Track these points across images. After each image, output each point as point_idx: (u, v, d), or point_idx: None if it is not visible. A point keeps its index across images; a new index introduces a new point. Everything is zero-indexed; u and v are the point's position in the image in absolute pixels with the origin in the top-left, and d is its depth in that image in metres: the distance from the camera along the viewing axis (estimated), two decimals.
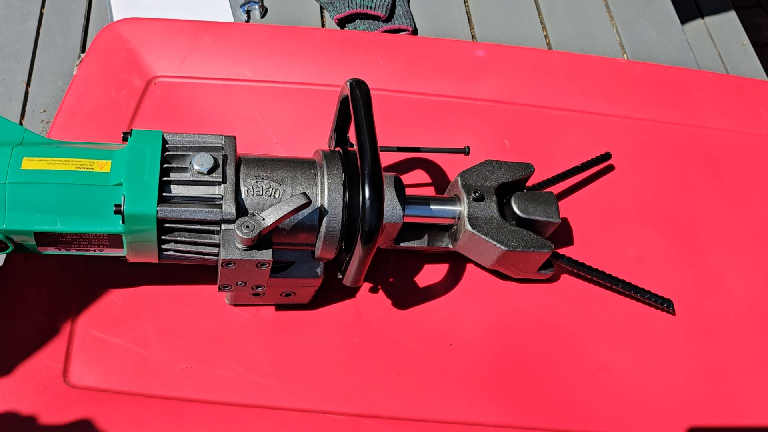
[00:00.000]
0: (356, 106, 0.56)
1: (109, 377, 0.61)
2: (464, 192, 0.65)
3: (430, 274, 0.71)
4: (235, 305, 0.66)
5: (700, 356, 0.69)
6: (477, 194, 0.64)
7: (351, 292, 0.68)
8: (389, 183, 0.62)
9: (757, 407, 0.67)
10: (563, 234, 0.75)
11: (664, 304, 0.70)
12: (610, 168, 0.81)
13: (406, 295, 0.69)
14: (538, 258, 0.65)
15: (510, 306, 0.70)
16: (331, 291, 0.67)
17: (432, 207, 0.65)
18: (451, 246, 0.67)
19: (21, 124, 0.81)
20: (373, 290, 0.69)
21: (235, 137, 0.59)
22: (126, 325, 0.64)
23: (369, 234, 0.52)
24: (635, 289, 0.70)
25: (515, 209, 0.65)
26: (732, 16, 1.09)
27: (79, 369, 0.61)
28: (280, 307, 0.66)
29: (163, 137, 0.56)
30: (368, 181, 0.52)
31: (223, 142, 0.58)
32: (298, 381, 0.63)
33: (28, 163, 0.51)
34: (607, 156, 0.79)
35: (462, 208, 0.65)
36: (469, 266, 0.71)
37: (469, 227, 0.63)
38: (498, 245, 0.63)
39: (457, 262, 0.71)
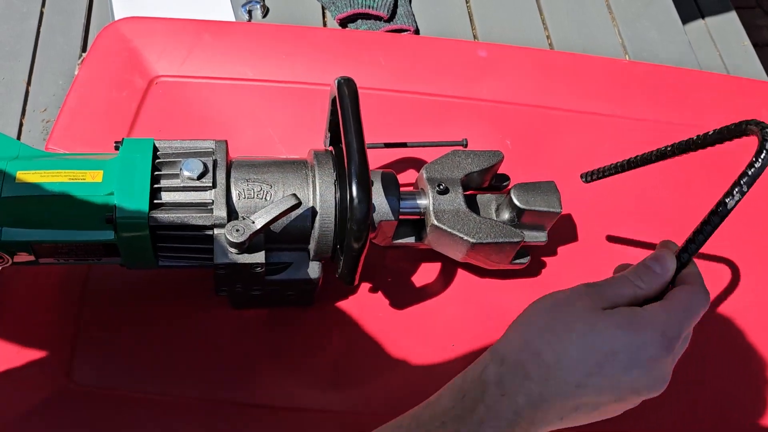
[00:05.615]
0: (343, 104, 0.55)
1: (113, 377, 0.61)
2: (429, 185, 0.63)
3: (432, 274, 0.71)
4: (238, 307, 0.66)
5: (700, 356, 0.69)
6: (441, 187, 0.63)
7: (353, 292, 0.68)
8: (381, 180, 0.61)
9: (757, 407, 0.67)
10: (564, 234, 0.75)
11: None
12: None
13: (408, 296, 0.69)
14: (509, 248, 0.64)
15: (511, 307, 0.70)
16: (333, 291, 0.67)
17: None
18: (423, 241, 0.65)
19: (21, 123, 0.81)
20: (375, 291, 0.69)
21: (226, 141, 0.58)
22: (129, 325, 0.64)
23: (358, 232, 0.52)
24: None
25: (514, 200, 0.64)
26: (733, 16, 1.10)
27: (82, 368, 0.61)
28: (282, 307, 0.66)
29: (154, 145, 0.56)
30: (355, 179, 0.52)
31: (213, 147, 0.57)
32: (298, 380, 0.63)
33: (22, 177, 0.52)
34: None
35: (427, 201, 0.63)
36: (470, 266, 0.71)
37: (434, 221, 0.62)
38: (465, 238, 0.61)
39: (458, 262, 0.71)
